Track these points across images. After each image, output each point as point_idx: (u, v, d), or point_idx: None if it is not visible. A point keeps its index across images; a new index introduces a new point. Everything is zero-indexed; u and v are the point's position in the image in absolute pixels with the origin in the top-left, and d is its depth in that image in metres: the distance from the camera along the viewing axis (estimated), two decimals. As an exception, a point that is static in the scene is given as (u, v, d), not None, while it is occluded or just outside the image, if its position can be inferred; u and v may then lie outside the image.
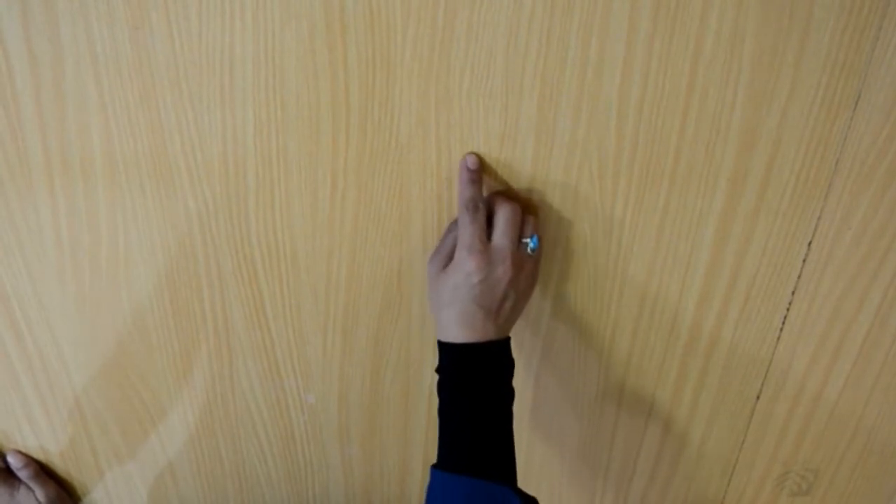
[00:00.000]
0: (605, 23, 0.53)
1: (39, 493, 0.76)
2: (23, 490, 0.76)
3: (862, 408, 0.74)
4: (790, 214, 0.62)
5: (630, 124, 0.58)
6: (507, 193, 0.61)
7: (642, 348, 0.70)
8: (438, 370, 0.59)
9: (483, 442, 0.56)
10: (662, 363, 0.71)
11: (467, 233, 0.57)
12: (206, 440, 0.77)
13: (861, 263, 0.65)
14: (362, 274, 0.65)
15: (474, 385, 0.57)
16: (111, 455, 0.78)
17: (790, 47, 0.54)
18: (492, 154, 0.59)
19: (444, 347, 0.58)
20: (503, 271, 0.57)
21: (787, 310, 0.68)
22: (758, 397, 0.74)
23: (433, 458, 0.59)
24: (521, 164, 0.60)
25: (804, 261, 0.65)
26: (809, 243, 0.64)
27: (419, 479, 0.81)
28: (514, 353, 0.61)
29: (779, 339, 0.70)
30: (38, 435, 0.76)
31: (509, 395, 0.59)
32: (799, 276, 0.66)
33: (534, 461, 0.79)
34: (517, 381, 0.69)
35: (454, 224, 0.61)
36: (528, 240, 0.59)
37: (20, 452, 0.76)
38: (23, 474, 0.76)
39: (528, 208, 0.61)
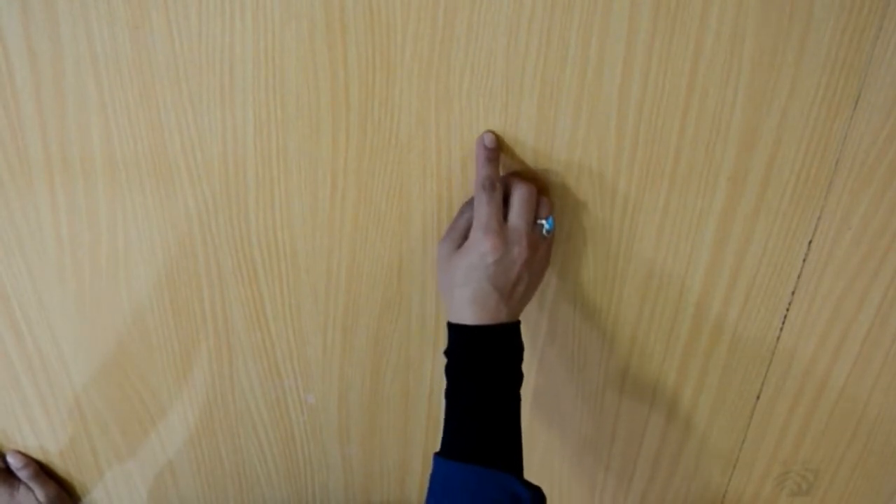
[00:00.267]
0: (605, 23, 0.53)
1: (39, 493, 0.76)
2: (23, 490, 0.76)
3: (862, 408, 0.74)
4: (790, 214, 0.62)
5: (630, 124, 0.58)
6: (523, 174, 0.60)
7: (642, 348, 0.70)
8: (447, 352, 0.58)
9: (489, 429, 0.56)
10: (662, 363, 0.71)
11: (484, 212, 0.56)
12: (206, 440, 0.77)
13: (861, 263, 0.65)
14: (362, 273, 0.65)
15: (484, 369, 0.56)
16: (111, 455, 0.78)
17: (790, 47, 0.54)
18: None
19: (454, 329, 0.57)
20: (518, 252, 0.56)
21: (787, 309, 0.68)
22: (758, 397, 0.74)
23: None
24: (520, 163, 0.60)
25: (804, 260, 0.65)
26: (809, 243, 0.64)
27: (419, 479, 0.81)
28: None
29: (779, 338, 0.70)
30: (38, 435, 0.76)
31: (518, 379, 0.58)
32: (799, 276, 0.66)
33: (533, 462, 0.79)
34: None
35: (467, 205, 0.60)
36: (544, 221, 0.58)
37: (20, 452, 0.76)
38: (23, 474, 0.76)
39: (543, 189, 0.61)
